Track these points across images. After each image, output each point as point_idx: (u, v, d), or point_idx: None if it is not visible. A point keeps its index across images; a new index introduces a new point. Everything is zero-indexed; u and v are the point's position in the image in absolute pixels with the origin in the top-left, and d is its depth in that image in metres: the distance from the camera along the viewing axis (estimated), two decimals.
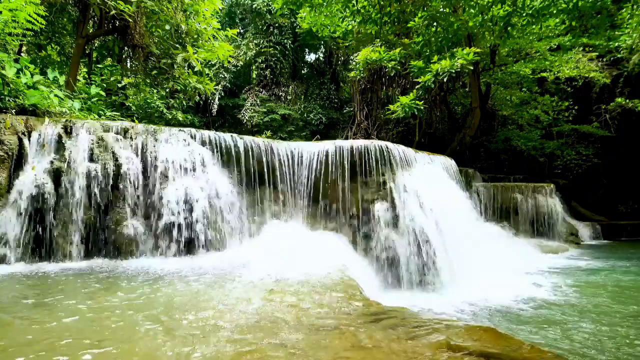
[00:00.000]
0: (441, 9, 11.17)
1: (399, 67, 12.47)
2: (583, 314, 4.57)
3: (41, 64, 10.47)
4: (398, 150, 6.85)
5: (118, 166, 5.35)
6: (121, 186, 5.35)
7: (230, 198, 6.00)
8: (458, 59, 10.06)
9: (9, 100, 5.51)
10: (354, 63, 15.09)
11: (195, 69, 10.87)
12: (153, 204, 5.52)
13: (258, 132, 17.44)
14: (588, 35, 12.58)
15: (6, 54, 6.21)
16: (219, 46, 10.48)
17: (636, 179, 15.46)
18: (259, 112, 19.22)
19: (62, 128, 5.37)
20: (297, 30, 19.39)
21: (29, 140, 5.20)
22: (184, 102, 11.11)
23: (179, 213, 5.41)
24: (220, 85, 18.93)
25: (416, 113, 11.22)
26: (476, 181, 11.93)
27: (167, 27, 10.07)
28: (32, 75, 6.26)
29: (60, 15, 10.44)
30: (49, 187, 4.96)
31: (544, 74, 14.29)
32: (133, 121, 6.83)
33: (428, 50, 11.71)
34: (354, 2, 10.64)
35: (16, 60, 6.30)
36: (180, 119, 10.41)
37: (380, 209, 6.29)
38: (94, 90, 8.20)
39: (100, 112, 7.80)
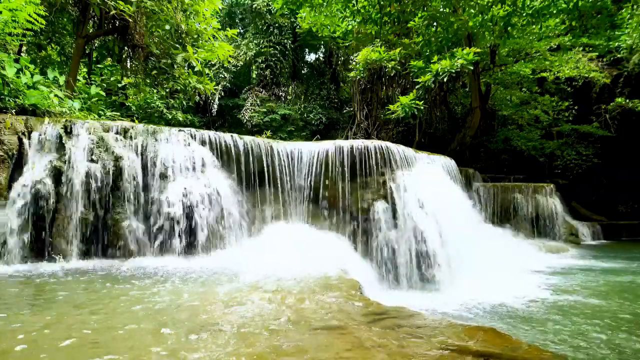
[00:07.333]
0: (441, 9, 11.17)
1: (399, 67, 12.48)
2: (582, 314, 4.57)
3: (41, 64, 10.48)
4: (398, 150, 6.86)
5: (118, 166, 5.35)
6: (121, 186, 5.35)
7: (230, 198, 6.00)
8: (458, 59, 10.06)
9: (9, 100, 5.52)
10: (354, 63, 15.10)
11: (195, 69, 10.88)
12: (153, 204, 5.52)
13: (258, 132, 17.42)
14: (588, 35, 12.58)
15: (6, 54, 6.21)
16: (219, 46, 10.48)
17: (636, 179, 15.46)
18: (259, 112, 19.22)
19: (62, 128, 5.37)
20: (297, 30, 19.38)
21: (29, 140, 5.21)
22: (184, 102, 11.13)
23: (178, 213, 5.41)
24: (220, 85, 18.93)
25: (416, 113, 11.23)
26: (476, 181, 11.92)
27: (167, 27, 10.07)
28: (32, 75, 6.27)
29: (60, 15, 10.44)
30: (49, 187, 4.96)
31: (544, 74, 14.30)
32: (133, 121, 6.84)
33: (428, 50, 11.72)
34: (354, 2, 10.62)
35: (16, 60, 6.30)
36: (180, 119, 10.43)
37: (380, 208, 6.29)
38: (94, 90, 8.22)
39: (100, 112, 7.81)
